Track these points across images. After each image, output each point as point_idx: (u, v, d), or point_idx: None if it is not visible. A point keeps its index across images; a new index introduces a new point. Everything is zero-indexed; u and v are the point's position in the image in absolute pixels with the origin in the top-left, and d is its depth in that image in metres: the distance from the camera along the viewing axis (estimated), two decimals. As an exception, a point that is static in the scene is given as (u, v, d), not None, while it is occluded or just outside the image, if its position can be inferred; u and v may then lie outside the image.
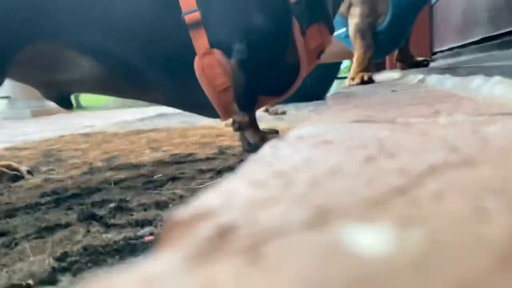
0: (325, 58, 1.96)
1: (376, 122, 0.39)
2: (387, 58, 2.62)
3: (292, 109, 2.50)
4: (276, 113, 2.22)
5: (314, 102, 2.59)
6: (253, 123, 1.10)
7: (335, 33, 1.73)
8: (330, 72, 2.33)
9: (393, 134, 0.32)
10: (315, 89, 2.27)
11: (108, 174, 1.11)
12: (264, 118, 2.08)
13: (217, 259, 0.13)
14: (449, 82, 0.78)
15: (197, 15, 0.98)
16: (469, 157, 0.23)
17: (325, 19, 1.08)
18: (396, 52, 1.79)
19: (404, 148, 0.27)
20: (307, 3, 1.02)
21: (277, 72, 1.07)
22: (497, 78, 0.52)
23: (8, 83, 1.07)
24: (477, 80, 0.60)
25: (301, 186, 0.20)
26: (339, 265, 0.12)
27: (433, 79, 0.99)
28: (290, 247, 0.13)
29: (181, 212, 0.18)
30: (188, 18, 0.98)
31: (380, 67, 2.77)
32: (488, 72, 0.62)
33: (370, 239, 0.13)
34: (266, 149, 0.35)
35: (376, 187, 0.19)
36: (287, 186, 0.21)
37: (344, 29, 1.72)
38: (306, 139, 0.37)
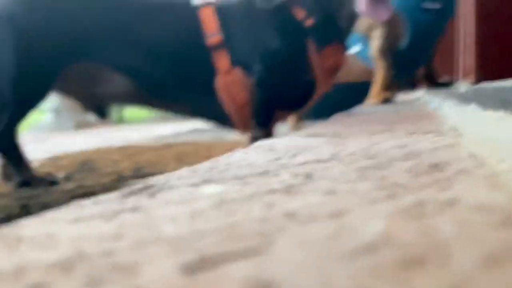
0: (347, 78, 2.03)
1: (322, 136, 0.49)
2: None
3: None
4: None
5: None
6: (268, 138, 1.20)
7: (358, 51, 1.80)
8: (360, 90, 2.36)
9: (309, 145, 0.43)
10: (345, 107, 2.29)
11: (133, 182, 1.23)
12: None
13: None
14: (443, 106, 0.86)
15: (218, 38, 1.10)
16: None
17: (339, 39, 1.17)
18: (420, 72, 1.84)
19: (301, 156, 0.37)
20: (321, 25, 1.12)
21: (294, 89, 1.16)
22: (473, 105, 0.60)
23: (54, 97, 1.23)
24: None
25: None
26: None
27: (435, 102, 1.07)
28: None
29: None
30: (210, 41, 1.10)
31: (411, 86, 2.81)
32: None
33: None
34: (238, 151, 0.45)
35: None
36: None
37: (361, 47, 1.78)
38: (266, 146, 0.47)
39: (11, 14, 1.03)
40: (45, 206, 0.96)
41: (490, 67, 0.43)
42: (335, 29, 1.16)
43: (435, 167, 0.30)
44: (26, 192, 1.11)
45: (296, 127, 2.33)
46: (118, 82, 1.15)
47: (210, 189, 0.26)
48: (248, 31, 1.12)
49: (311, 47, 1.12)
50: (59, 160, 1.79)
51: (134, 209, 0.23)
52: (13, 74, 1.01)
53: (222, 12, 1.12)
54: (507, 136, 0.29)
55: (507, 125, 0.31)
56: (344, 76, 1.99)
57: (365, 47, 1.77)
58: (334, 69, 1.19)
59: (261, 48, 1.10)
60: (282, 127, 1.66)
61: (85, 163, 1.67)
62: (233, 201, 0.23)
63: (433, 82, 1.82)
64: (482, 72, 0.43)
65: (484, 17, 0.43)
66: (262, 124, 1.16)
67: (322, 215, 0.20)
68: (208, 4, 1.13)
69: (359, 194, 0.24)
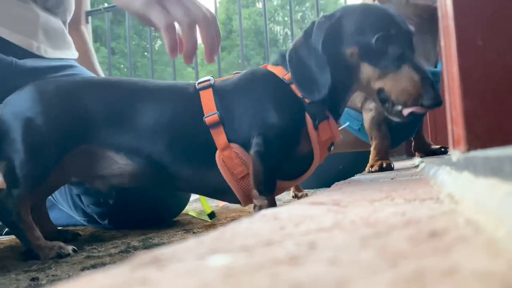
0: (342, 148, 2.07)
1: (323, 204, 0.52)
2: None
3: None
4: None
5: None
6: (272, 207, 1.23)
7: (349, 126, 1.84)
8: (359, 159, 2.40)
9: (311, 214, 0.45)
10: (347, 174, 2.32)
11: (141, 252, 1.24)
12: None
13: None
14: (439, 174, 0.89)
15: (216, 117, 1.18)
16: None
17: (334, 115, 1.23)
18: (413, 142, 1.87)
19: (301, 228, 0.40)
20: (319, 103, 1.18)
21: (293, 161, 1.21)
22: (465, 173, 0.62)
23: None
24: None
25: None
26: None
27: (431, 170, 1.09)
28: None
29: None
30: (208, 119, 1.18)
31: (411, 154, 2.84)
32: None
33: None
34: (244, 221, 0.47)
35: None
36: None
37: (356, 122, 1.81)
38: (271, 215, 0.50)
39: (25, 110, 1.18)
40: (55, 279, 0.97)
41: (478, 137, 0.46)
42: (331, 107, 1.22)
43: (434, 234, 0.31)
44: (35, 264, 1.12)
45: (301, 194, 2.35)
46: (120, 163, 1.23)
47: (217, 260, 0.28)
48: (245, 109, 1.19)
49: (309, 122, 1.17)
50: (68, 233, 1.80)
51: (144, 282, 0.25)
52: (23, 157, 1.14)
53: (220, 93, 1.22)
54: (501, 203, 0.30)
55: (500, 192, 0.33)
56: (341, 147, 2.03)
57: (352, 123, 1.81)
58: (330, 144, 1.24)
59: (261, 122, 1.16)
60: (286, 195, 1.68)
61: (94, 235, 1.68)
62: (240, 272, 0.24)
63: (426, 150, 1.84)
64: (470, 142, 0.46)
65: (469, 90, 0.46)
66: (264, 193, 1.19)
67: (327, 285, 0.21)
68: (208, 86, 1.24)
69: (361, 264, 0.25)
